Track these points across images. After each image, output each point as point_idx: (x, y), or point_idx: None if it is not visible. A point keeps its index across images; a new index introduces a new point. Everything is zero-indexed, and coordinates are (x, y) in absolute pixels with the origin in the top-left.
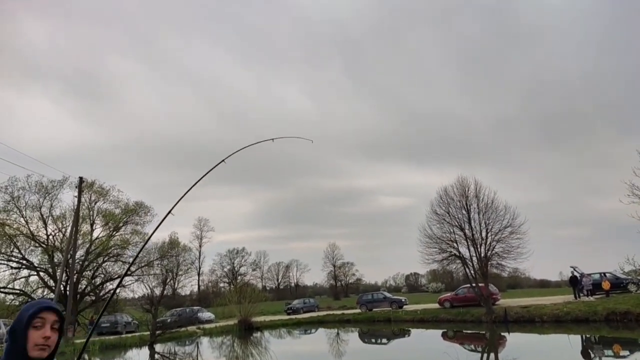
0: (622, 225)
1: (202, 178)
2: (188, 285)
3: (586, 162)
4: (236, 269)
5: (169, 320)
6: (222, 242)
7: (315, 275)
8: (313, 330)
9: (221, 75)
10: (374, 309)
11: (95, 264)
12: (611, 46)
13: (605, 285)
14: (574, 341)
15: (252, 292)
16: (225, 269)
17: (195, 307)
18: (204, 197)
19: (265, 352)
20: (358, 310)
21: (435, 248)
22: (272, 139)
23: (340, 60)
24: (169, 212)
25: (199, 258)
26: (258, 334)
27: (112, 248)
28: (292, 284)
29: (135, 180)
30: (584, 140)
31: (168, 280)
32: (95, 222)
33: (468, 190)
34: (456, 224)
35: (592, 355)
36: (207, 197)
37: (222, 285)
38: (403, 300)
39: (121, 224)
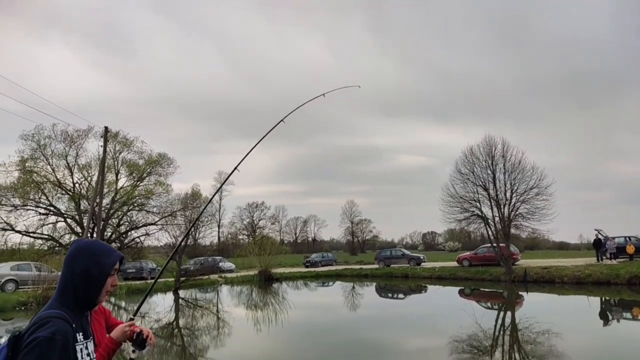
0: None
1: (264, 137)
2: (208, 236)
3: (613, 125)
4: (255, 222)
5: (192, 268)
6: (242, 196)
7: (332, 231)
8: (330, 283)
9: (241, 30)
10: (392, 265)
11: (120, 213)
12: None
13: (630, 249)
14: (593, 303)
15: (272, 244)
16: (245, 222)
17: (217, 257)
18: (222, 151)
19: (283, 301)
20: (376, 266)
21: (458, 207)
22: (324, 94)
23: (362, 15)
24: (235, 168)
25: (219, 210)
26: (277, 285)
27: (137, 198)
28: (310, 239)
29: (155, 133)
30: (613, 102)
31: (190, 230)
32: (120, 172)
33: (495, 150)
34: (480, 183)
35: (610, 317)
36: (225, 151)
37: (241, 237)
38: (421, 257)
39: (145, 175)
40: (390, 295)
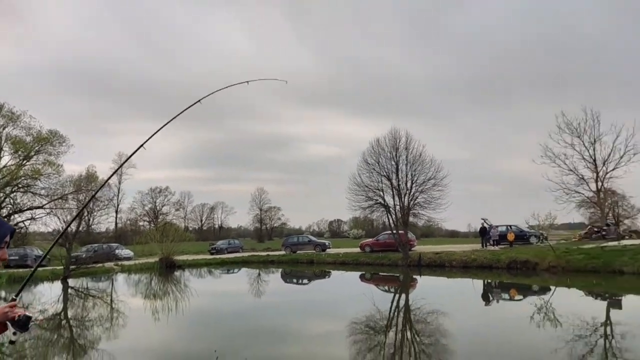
0: (531, 185)
1: (178, 115)
2: (104, 222)
3: (507, 125)
4: (158, 208)
5: (84, 256)
6: (144, 180)
7: (240, 218)
8: (236, 270)
9: (152, 6)
10: (298, 252)
11: (2, 194)
12: (541, 15)
13: (510, 236)
14: (477, 285)
15: (176, 231)
16: (147, 208)
17: (113, 244)
18: (126, 132)
19: (185, 289)
20: (282, 252)
21: (363, 196)
22: (247, 82)
23: (283, 3)
24: (141, 146)
25: (118, 195)
26: (179, 272)
27: (22, 178)
28: (216, 226)
29: (48, 109)
30: (509, 105)
31: (84, 215)
32: (4, 149)
33: (399, 142)
34: (384, 173)
35: (491, 298)
36: (130, 133)
37: (142, 224)
38: (327, 244)
39: (32, 153)
40: (295, 281)
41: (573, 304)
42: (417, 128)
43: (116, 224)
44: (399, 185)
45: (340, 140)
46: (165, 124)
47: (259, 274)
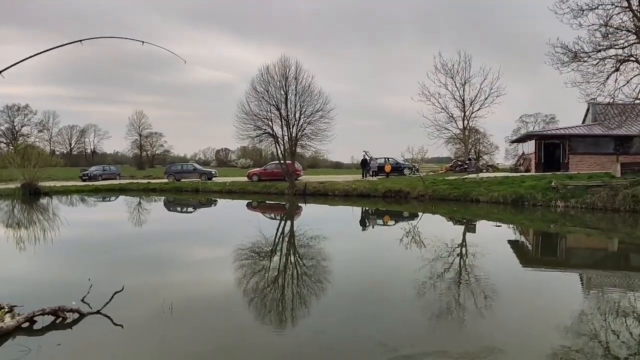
0: (408, 121)
1: (54, 49)
2: None
3: (389, 63)
4: (17, 128)
5: None
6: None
7: (116, 144)
8: (113, 198)
9: None
10: (183, 180)
11: None
12: None
13: (387, 168)
14: (356, 212)
15: (39, 155)
16: (2, 127)
17: None
18: None
19: (54, 217)
20: (165, 180)
21: (251, 125)
22: (143, 42)
23: None
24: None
25: None
26: (46, 200)
27: None
28: (89, 151)
29: None
30: (393, 43)
31: None
32: None
33: (289, 71)
34: (274, 103)
35: (367, 223)
36: None
37: None
38: (213, 172)
39: None
40: (179, 209)
41: (436, 228)
42: (306, 59)
43: None
44: (287, 115)
45: (229, 65)
46: (33, 56)
47: (140, 202)
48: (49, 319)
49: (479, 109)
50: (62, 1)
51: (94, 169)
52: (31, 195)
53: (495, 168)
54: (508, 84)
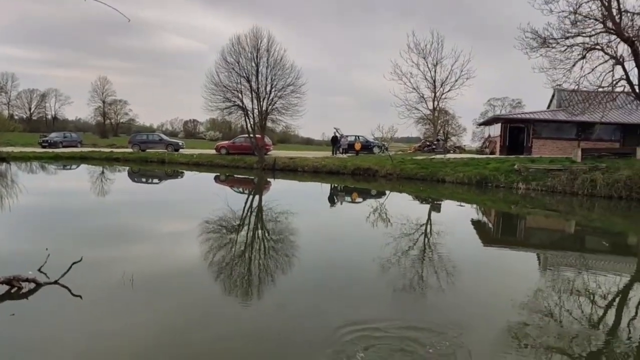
0: (380, 100)
1: None
2: None
3: (366, 40)
4: None
5: None
6: None
7: (79, 110)
8: (74, 167)
9: None
10: (148, 150)
11: None
12: None
13: (357, 146)
14: (325, 189)
15: None
16: None
17: None
18: None
19: (12, 184)
20: (129, 150)
21: (220, 96)
22: None
23: None
24: None
25: None
26: (3, 166)
27: None
28: (49, 116)
29: None
30: (368, 22)
31: None
32: None
33: (260, 43)
34: (244, 75)
35: (336, 200)
36: None
37: None
38: (180, 143)
39: None
40: (144, 180)
41: (403, 206)
42: (278, 32)
43: None
44: (258, 88)
45: (199, 33)
46: None
47: (103, 172)
48: (3, 288)
49: (449, 90)
50: None
51: (54, 136)
52: None
53: (462, 149)
54: (478, 66)
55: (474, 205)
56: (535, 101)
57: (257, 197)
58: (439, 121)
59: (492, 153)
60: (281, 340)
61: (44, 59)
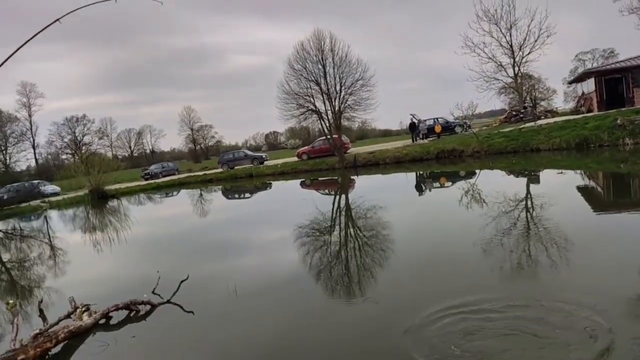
0: (454, 77)
1: (33, 37)
2: (23, 160)
3: (421, 17)
4: (79, 138)
5: (5, 197)
6: (57, 110)
7: (172, 141)
8: (175, 193)
9: None
10: (236, 167)
11: None
12: None
13: (438, 128)
14: (410, 178)
15: (102, 160)
16: (66, 140)
17: (35, 181)
18: (23, 59)
19: (125, 218)
20: (220, 170)
21: (293, 104)
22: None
23: None
24: None
25: (31, 129)
26: (115, 202)
27: None
28: (148, 151)
29: None
30: None
31: None
32: None
33: (324, 44)
34: (312, 78)
35: (423, 188)
36: (28, 59)
37: (64, 157)
38: (264, 156)
39: None
40: (237, 196)
41: (496, 183)
42: (338, 29)
43: (36, 160)
44: (328, 89)
45: (262, 47)
46: (17, 49)
47: (201, 194)
48: (124, 313)
49: (529, 53)
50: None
51: (154, 168)
52: (99, 200)
53: (554, 113)
54: (558, 21)
55: (577, 171)
56: (630, 47)
57: (343, 196)
58: (524, 87)
59: (589, 111)
60: (392, 334)
61: (133, 100)
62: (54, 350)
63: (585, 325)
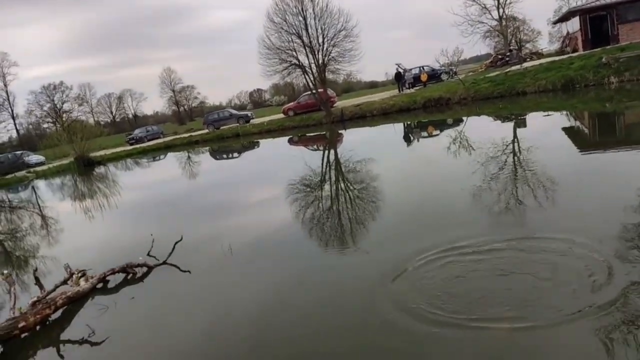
0: (438, 25)
1: None
2: (3, 132)
3: None
4: (58, 106)
5: None
6: (33, 79)
7: (154, 104)
8: (162, 157)
9: None
10: (222, 127)
11: None
12: None
13: (423, 77)
14: (398, 128)
15: (84, 127)
16: (45, 108)
17: (18, 152)
18: None
19: (114, 184)
20: (206, 131)
21: (276, 59)
22: None
23: None
24: None
25: (8, 99)
26: (102, 169)
27: None
28: (130, 115)
29: None
30: None
31: None
32: None
33: None
34: (294, 31)
35: (412, 138)
36: None
37: (46, 126)
38: (249, 115)
39: None
40: (225, 156)
41: (483, 129)
42: None
43: (17, 130)
44: (310, 42)
45: (243, 0)
46: None
47: (189, 156)
48: (121, 277)
49: None
50: None
51: (138, 132)
52: (86, 167)
53: (540, 55)
54: None
55: (563, 112)
56: None
57: (332, 151)
58: (509, 30)
59: (574, 51)
60: (386, 277)
61: (110, 63)
62: (54, 316)
63: (586, 264)
